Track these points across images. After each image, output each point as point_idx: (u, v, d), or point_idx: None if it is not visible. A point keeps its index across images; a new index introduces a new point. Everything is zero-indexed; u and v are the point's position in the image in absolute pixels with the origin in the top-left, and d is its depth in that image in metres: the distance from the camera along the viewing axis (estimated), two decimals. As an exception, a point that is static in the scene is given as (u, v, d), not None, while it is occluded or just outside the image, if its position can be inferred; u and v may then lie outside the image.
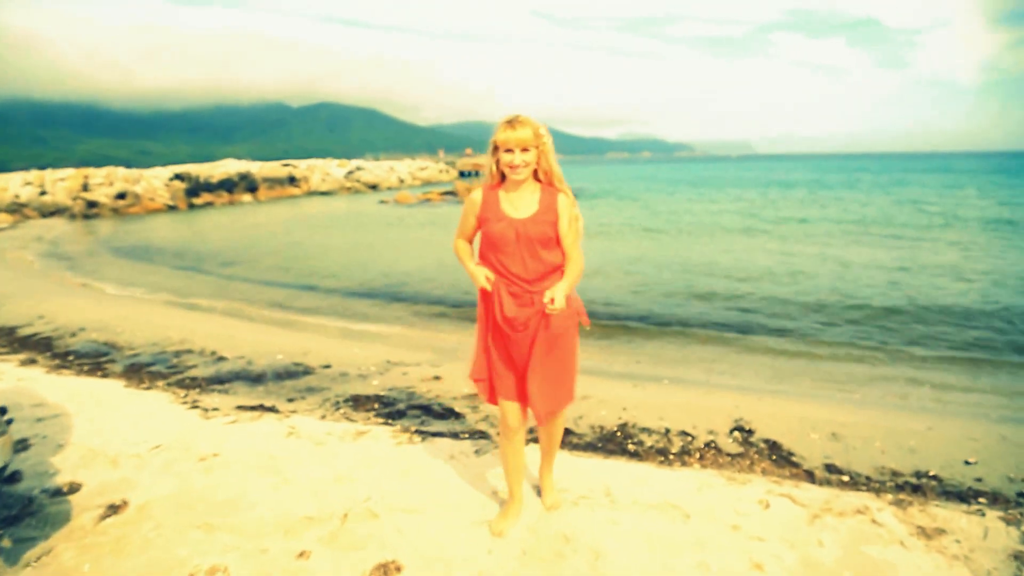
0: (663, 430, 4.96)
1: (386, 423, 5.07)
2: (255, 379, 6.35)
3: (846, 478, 4.23)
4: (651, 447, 4.65)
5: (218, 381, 6.26)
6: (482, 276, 3.06)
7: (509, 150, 2.95)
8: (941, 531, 3.49)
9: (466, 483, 3.96)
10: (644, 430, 4.95)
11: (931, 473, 4.32)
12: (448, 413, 5.32)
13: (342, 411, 5.41)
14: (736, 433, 4.92)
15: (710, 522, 3.53)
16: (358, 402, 5.64)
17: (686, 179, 79.45)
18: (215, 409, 5.32)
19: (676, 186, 61.82)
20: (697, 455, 4.54)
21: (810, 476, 4.25)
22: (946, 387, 7.03)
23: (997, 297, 11.73)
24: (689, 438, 4.83)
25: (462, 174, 75.23)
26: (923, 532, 3.47)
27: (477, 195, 3.16)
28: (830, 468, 4.38)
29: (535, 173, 3.06)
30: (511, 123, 2.92)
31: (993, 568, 3.18)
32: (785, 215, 30.64)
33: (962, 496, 3.99)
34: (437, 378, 6.34)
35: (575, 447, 4.60)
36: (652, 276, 14.47)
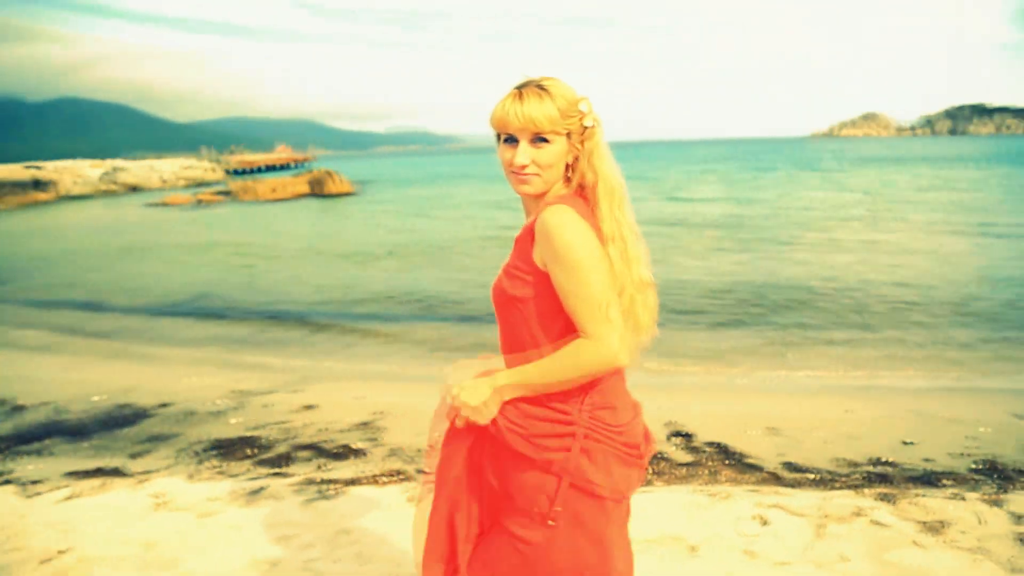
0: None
1: (277, 474, 4.21)
2: (75, 432, 5.10)
3: (812, 476, 4.11)
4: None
5: (25, 440, 4.94)
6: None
7: (508, 138, 1.65)
8: (942, 523, 3.42)
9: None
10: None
11: (883, 459, 4.34)
12: (345, 451, 4.55)
13: (210, 464, 4.44)
14: (676, 439, 4.67)
15: (722, 552, 3.19)
16: (226, 449, 4.68)
17: (453, 173, 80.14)
18: (37, 482, 4.13)
19: (455, 180, 62.13)
20: (651, 469, 4.21)
21: (777, 478, 4.08)
22: (814, 366, 7.35)
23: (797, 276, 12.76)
24: (630, 449, 4.49)
25: (235, 172, 70.72)
26: (927, 527, 3.38)
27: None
28: (791, 466, 4.24)
29: (579, 186, 1.70)
30: (520, 90, 1.63)
31: (1012, 555, 3.13)
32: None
33: (927, 480, 4.01)
34: (310, 407, 5.49)
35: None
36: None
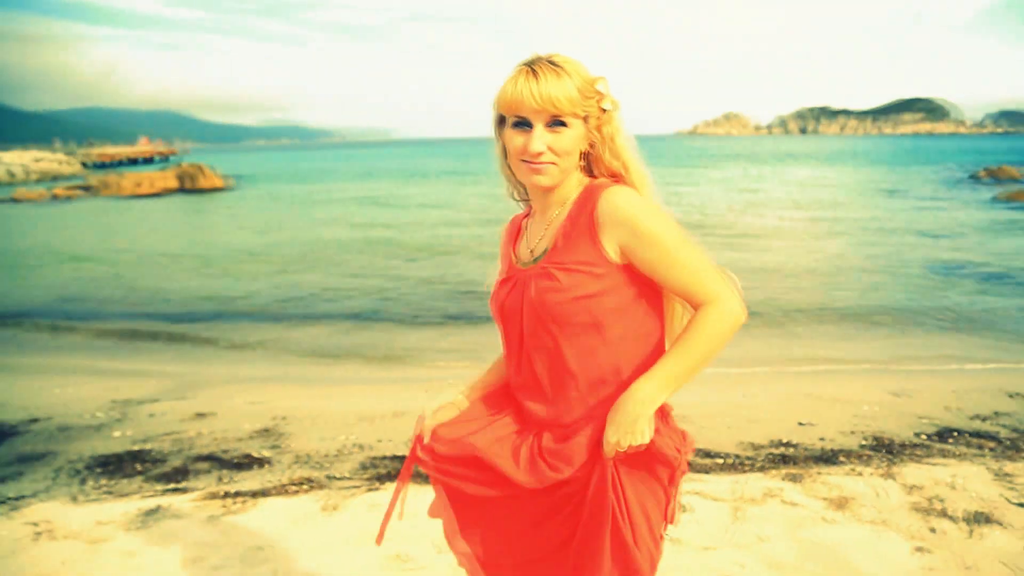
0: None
1: (173, 490, 3.94)
2: (-71, 458, 4.60)
3: (722, 460, 4.25)
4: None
5: None
6: (431, 411, 1.75)
7: (521, 120, 1.46)
8: (845, 499, 3.63)
9: (359, 561, 3.18)
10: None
11: (784, 440, 4.55)
12: (249, 461, 4.32)
13: (96, 484, 4.10)
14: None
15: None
16: (112, 466, 4.34)
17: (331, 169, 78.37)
18: None
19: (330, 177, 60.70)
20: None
21: (690, 465, 4.19)
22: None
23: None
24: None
25: (94, 166, 66.17)
26: (833, 504, 3.57)
27: (503, 234, 1.77)
28: (701, 452, 4.37)
29: (590, 173, 1.58)
30: (531, 67, 1.44)
31: (911, 524, 3.36)
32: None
33: (826, 459, 4.23)
34: (203, 415, 5.18)
35: (420, 478, 3.98)
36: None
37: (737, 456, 4.31)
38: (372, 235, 19.03)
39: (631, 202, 1.45)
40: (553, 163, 1.48)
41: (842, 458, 4.20)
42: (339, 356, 7.69)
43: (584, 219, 1.49)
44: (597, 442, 1.50)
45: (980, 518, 3.42)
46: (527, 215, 1.70)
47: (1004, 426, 4.69)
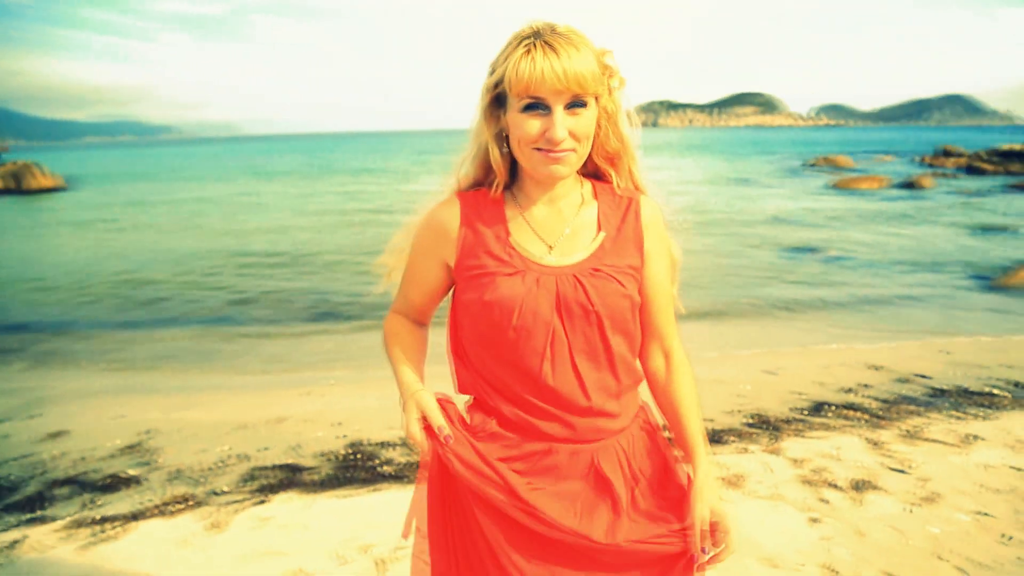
0: (403, 441, 4.42)
1: (33, 519, 3.53)
2: None
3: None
4: (411, 464, 4.11)
5: None
6: (414, 415, 1.43)
7: (536, 102, 1.29)
8: (739, 476, 3.77)
9: None
10: (384, 445, 4.35)
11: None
12: (115, 481, 3.94)
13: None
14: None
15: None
16: (-48, 497, 3.85)
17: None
18: None
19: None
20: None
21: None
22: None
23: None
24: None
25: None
26: (729, 482, 3.70)
27: (447, 213, 1.46)
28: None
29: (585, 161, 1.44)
30: (548, 38, 1.27)
31: (803, 497, 3.52)
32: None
33: (715, 439, 4.37)
34: (58, 434, 4.68)
35: (310, 486, 3.79)
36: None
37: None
38: (220, 238, 18.05)
39: (663, 215, 1.49)
40: (573, 150, 1.33)
41: (730, 437, 4.36)
42: (201, 363, 7.22)
43: (631, 224, 1.44)
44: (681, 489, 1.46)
45: (863, 485, 3.63)
46: (489, 199, 1.46)
47: (870, 397, 5.03)
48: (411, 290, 1.55)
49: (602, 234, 1.43)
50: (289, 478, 3.84)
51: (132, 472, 3.96)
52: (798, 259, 13.06)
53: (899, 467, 3.83)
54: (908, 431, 4.31)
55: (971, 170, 35.43)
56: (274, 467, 3.99)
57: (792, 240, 15.11)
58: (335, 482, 3.83)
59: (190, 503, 3.55)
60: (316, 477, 3.89)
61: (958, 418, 4.56)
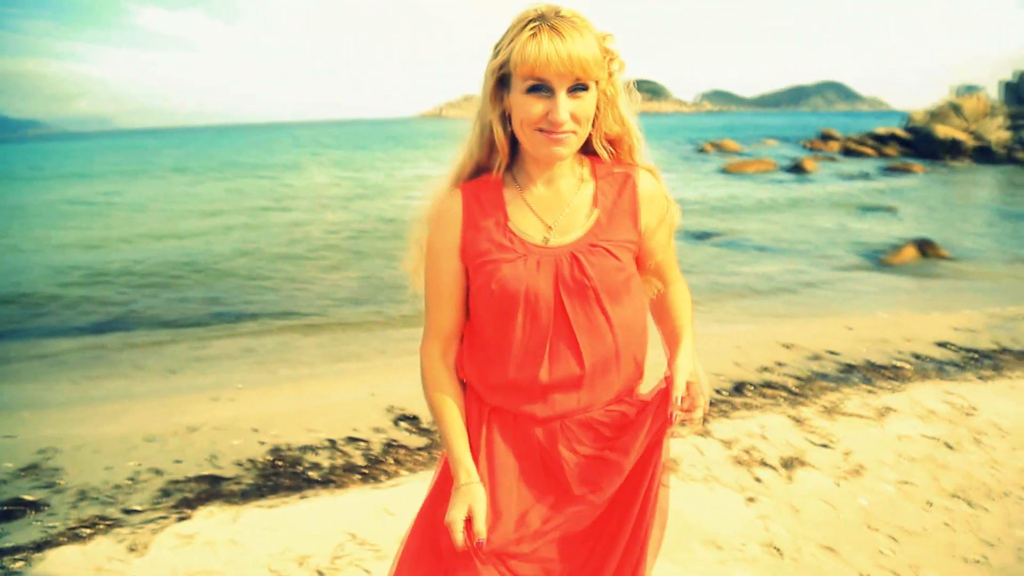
0: (328, 443, 4.27)
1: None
2: None
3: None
4: (338, 467, 3.96)
5: None
6: (462, 510, 1.45)
7: (540, 84, 1.33)
8: (673, 461, 3.82)
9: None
10: (307, 449, 4.18)
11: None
12: (17, 508, 3.58)
13: None
14: (404, 423, 4.55)
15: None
16: None
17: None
18: None
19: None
20: (391, 460, 4.05)
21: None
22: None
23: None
24: (363, 443, 4.27)
25: None
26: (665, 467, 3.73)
27: (451, 203, 1.51)
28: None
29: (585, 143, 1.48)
30: (553, 21, 1.32)
31: (736, 477, 3.61)
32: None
33: (645, 424, 4.42)
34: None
35: (234, 498, 3.61)
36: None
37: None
38: (98, 242, 17.02)
39: (661, 187, 1.55)
40: (574, 132, 1.39)
41: (659, 422, 4.41)
42: (94, 372, 6.76)
43: (627, 199, 1.51)
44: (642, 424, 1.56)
45: (792, 462, 3.75)
46: (488, 187, 1.51)
47: (787, 375, 5.22)
48: (439, 306, 1.56)
49: (596, 211, 1.49)
50: (210, 490, 3.63)
51: (33, 496, 3.64)
52: (697, 244, 13.47)
53: (823, 442, 3.98)
54: (826, 407, 4.49)
55: (849, 152, 37.55)
56: (192, 479, 3.77)
57: (689, 225, 15.56)
58: (260, 491, 3.65)
59: (103, 525, 3.29)
60: (239, 487, 3.69)
61: (870, 391, 4.79)
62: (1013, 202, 18.44)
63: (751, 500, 3.40)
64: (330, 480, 3.75)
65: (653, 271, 1.61)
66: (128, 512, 3.44)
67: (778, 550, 2.99)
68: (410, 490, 3.54)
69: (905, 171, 26.85)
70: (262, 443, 4.26)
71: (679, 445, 4.01)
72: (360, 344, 7.16)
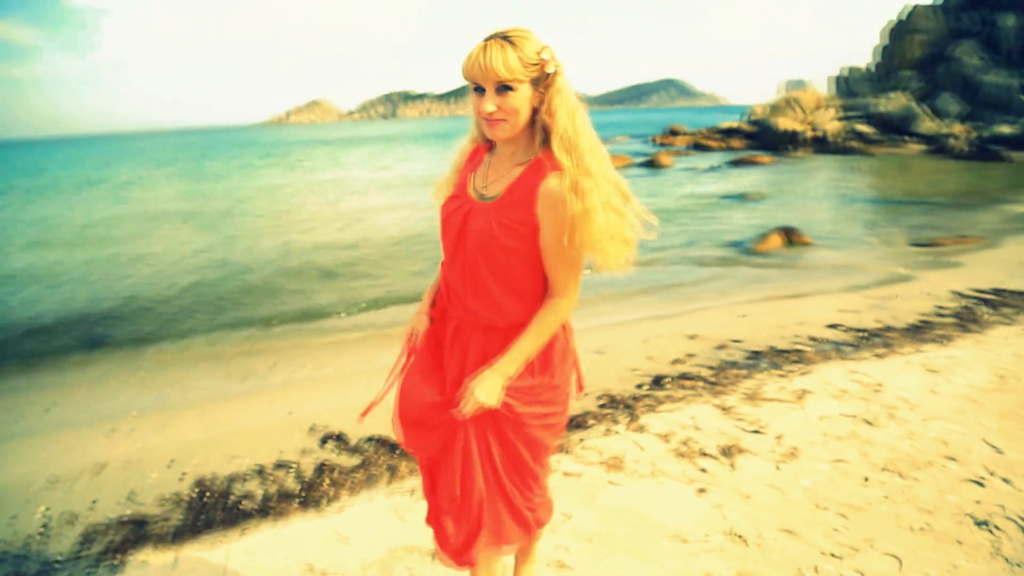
0: (256, 469, 3.99)
1: None
2: None
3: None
4: (273, 495, 3.70)
5: None
6: (422, 319, 2.25)
7: (477, 86, 1.84)
8: (617, 459, 3.84)
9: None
10: (234, 479, 3.89)
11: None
12: None
13: None
14: (332, 443, 4.34)
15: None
16: None
17: None
18: None
19: None
20: (327, 482, 3.84)
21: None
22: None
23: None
24: (293, 467, 4.02)
25: None
26: (610, 466, 3.76)
27: (467, 148, 2.15)
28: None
29: (546, 135, 1.89)
30: (486, 42, 1.79)
31: (682, 469, 3.68)
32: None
33: (578, 424, 4.42)
34: None
35: (166, 539, 3.29)
36: None
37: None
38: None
39: (560, 195, 1.81)
40: (503, 119, 1.85)
41: (591, 421, 4.44)
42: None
43: (529, 190, 1.87)
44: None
45: (731, 451, 3.87)
46: (489, 148, 2.08)
47: (699, 365, 5.39)
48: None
49: (510, 190, 1.90)
50: (137, 532, 3.30)
51: (-88, 566, 3.19)
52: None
53: (754, 428, 4.13)
54: (747, 393, 4.67)
55: (698, 147, 39.52)
56: (114, 522, 3.41)
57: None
58: (194, 529, 3.36)
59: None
60: (168, 526, 3.38)
61: (781, 375, 5.02)
62: (853, 188, 19.96)
63: (702, 491, 3.46)
64: (268, 510, 3.51)
65: (547, 272, 1.95)
66: (50, 566, 3.07)
67: (741, 538, 3.06)
68: (358, 513, 3.37)
69: (754, 163, 28.55)
70: (183, 476, 3.94)
71: (616, 442, 4.04)
72: (250, 362, 6.76)
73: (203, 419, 4.87)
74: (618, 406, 4.66)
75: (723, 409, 4.42)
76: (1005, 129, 29.25)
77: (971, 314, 6.51)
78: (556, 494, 3.36)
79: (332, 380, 5.88)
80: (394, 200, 21.72)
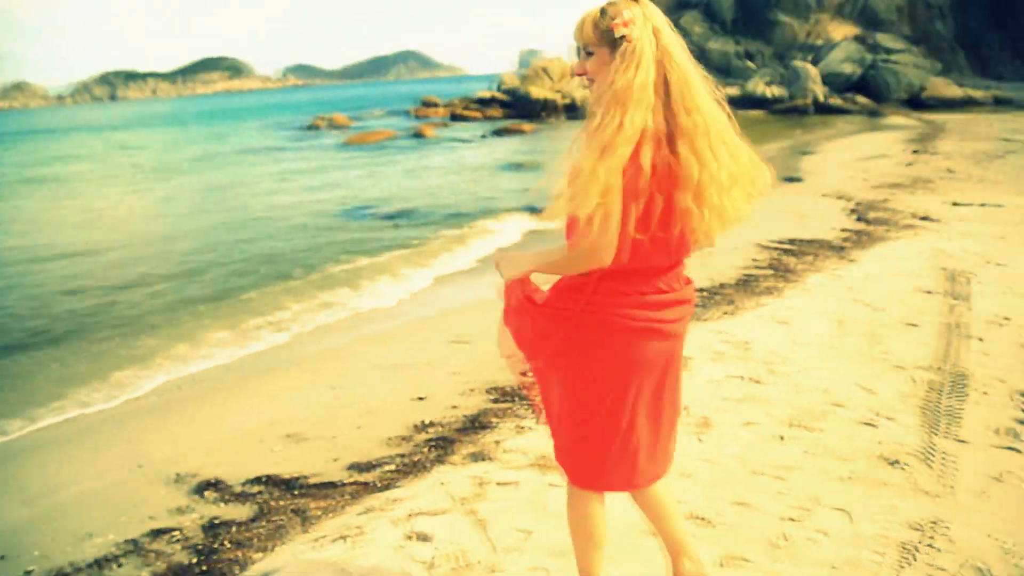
0: (126, 548, 3.41)
1: None
2: None
3: (392, 466, 3.95)
4: None
5: None
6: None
7: (578, 48, 1.97)
8: (543, 457, 3.75)
9: None
10: (100, 564, 3.30)
11: (424, 422, 4.44)
12: None
13: None
14: (208, 493, 3.84)
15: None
16: None
17: None
18: None
19: None
20: (227, 543, 3.38)
21: (366, 486, 3.76)
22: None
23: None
24: (176, 534, 3.50)
25: None
26: (540, 467, 3.66)
27: None
28: (358, 467, 3.99)
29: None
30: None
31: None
32: None
33: (478, 425, 4.28)
34: None
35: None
36: None
37: (401, 455, 4.05)
38: None
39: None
40: (592, 80, 1.92)
41: (493, 419, 4.31)
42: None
43: None
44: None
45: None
46: None
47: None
48: None
49: None
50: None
51: None
52: (361, 217, 13.40)
53: (659, 403, 4.21)
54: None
55: (455, 117, 40.01)
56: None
57: (349, 200, 15.38)
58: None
59: None
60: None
61: (655, 344, 5.18)
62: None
63: (643, 477, 3.46)
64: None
65: None
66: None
67: (705, 520, 3.10)
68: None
69: (518, 131, 29.42)
70: (27, 573, 3.28)
71: (530, 437, 3.94)
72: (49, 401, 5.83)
73: (26, 483, 4.10)
74: (512, 398, 4.57)
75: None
76: (729, 91, 32.69)
77: (783, 264, 7.16)
78: (505, 509, 3.22)
79: (161, 409, 5.25)
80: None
